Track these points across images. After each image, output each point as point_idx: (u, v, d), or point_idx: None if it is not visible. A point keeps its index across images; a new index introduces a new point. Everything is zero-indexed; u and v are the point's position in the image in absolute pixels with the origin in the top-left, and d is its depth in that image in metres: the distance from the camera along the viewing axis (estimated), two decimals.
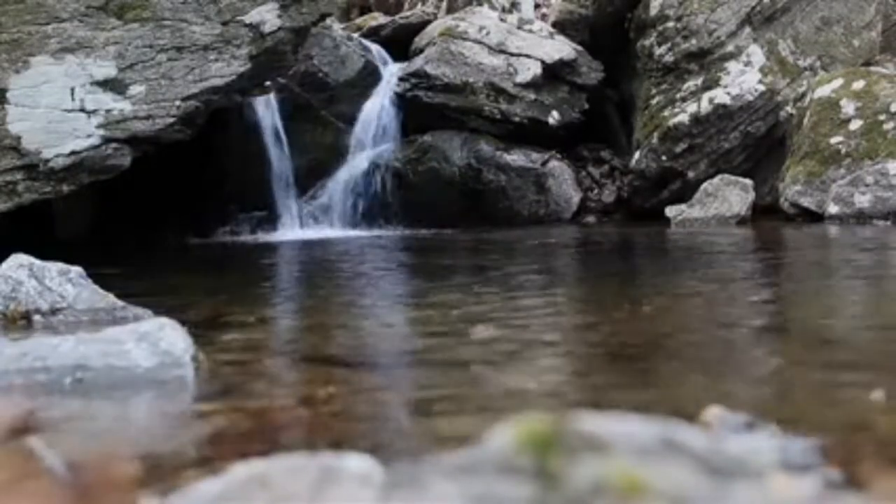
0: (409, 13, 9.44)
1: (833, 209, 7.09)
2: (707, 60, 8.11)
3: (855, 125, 7.40)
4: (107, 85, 5.85)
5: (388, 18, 9.38)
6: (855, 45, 8.39)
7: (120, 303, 3.52)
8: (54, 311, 3.41)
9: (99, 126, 5.82)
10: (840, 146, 7.38)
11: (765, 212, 7.74)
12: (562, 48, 8.62)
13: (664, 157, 8.11)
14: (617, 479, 1.01)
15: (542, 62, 8.48)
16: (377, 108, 8.39)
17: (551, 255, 6.39)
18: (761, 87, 8.00)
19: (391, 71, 8.54)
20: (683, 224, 7.58)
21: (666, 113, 8.15)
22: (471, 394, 2.44)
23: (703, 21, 8.11)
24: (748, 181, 7.75)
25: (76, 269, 3.54)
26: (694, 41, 8.11)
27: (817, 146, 7.45)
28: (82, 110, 5.81)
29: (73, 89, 5.80)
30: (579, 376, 2.71)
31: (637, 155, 8.28)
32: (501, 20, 8.89)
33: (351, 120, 8.34)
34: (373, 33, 9.03)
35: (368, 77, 8.41)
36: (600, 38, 8.72)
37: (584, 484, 1.01)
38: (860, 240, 6.23)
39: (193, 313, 3.66)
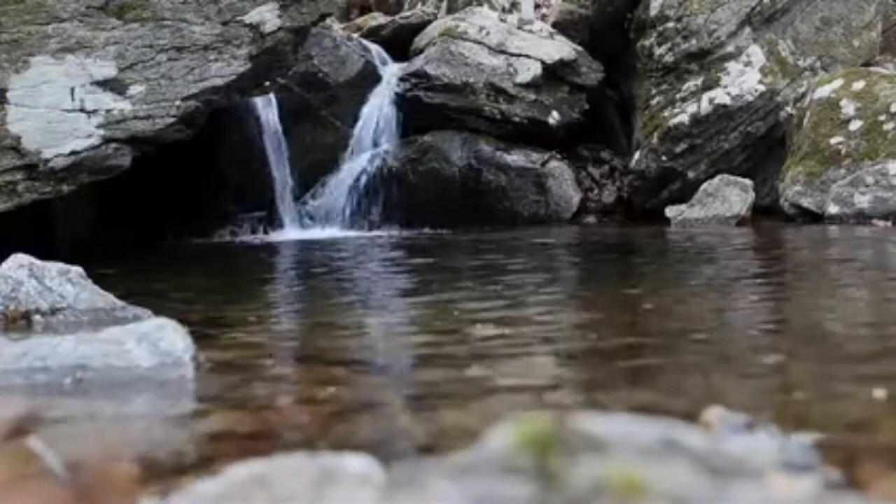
0: (409, 13, 9.44)
1: (833, 209, 7.08)
2: (707, 61, 8.11)
3: (855, 125, 7.40)
4: (107, 85, 5.85)
5: (388, 18, 9.37)
6: (855, 46, 8.38)
7: (120, 303, 3.52)
8: (54, 311, 3.41)
9: (99, 126, 5.82)
10: (840, 146, 7.38)
11: (765, 212, 7.74)
12: (562, 48, 8.62)
13: (664, 158, 8.11)
14: (617, 479, 1.01)
15: (542, 62, 8.48)
16: (377, 108, 8.39)
17: (551, 256, 6.39)
18: (761, 88, 8.00)
19: (391, 71, 8.54)
20: (683, 224, 7.58)
21: (666, 113, 8.15)
22: (471, 394, 2.44)
23: (703, 21, 8.11)
24: (748, 181, 7.75)
25: (76, 269, 3.54)
26: (694, 41, 8.11)
27: (817, 146, 7.45)
28: (82, 110, 5.80)
29: (72, 89, 5.79)
30: (579, 376, 2.70)
31: (637, 155, 8.28)
32: (501, 20, 8.89)
33: (351, 120, 8.34)
34: (373, 33, 9.03)
35: (368, 77, 8.41)
36: (600, 38, 8.72)
37: (584, 484, 1.01)
38: (860, 240, 6.23)
39: (193, 313, 3.66)
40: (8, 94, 5.71)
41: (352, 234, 7.91)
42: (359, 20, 9.68)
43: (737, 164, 8.05)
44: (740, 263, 5.54)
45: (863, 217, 6.94)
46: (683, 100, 8.11)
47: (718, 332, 3.32)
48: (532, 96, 8.43)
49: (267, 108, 8.00)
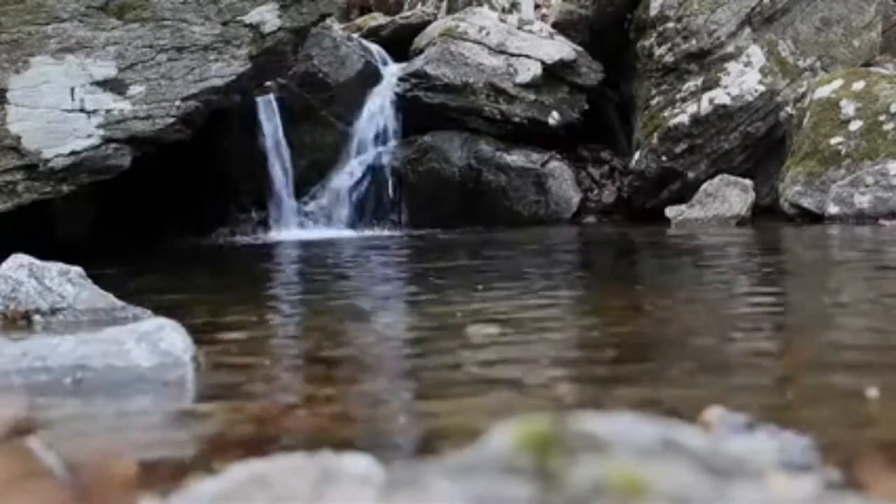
0: (409, 13, 9.44)
1: (833, 210, 7.08)
2: (707, 61, 8.11)
3: (855, 126, 7.40)
4: (107, 85, 5.85)
5: (388, 18, 9.37)
6: (855, 46, 8.38)
7: (120, 303, 3.52)
8: (54, 311, 3.41)
9: (99, 126, 5.82)
10: (840, 147, 7.38)
11: (765, 212, 7.74)
12: (562, 48, 8.61)
13: (664, 158, 8.11)
14: (617, 479, 1.01)
15: (542, 62, 8.47)
16: (377, 108, 8.39)
17: (551, 256, 6.39)
18: (761, 88, 8.00)
19: (391, 71, 8.54)
20: (683, 224, 7.58)
21: (666, 113, 8.15)
22: (471, 394, 2.44)
23: (703, 21, 8.11)
24: (748, 181, 7.74)
25: (76, 269, 3.54)
26: (694, 41, 8.11)
27: (817, 147, 7.45)
28: (82, 110, 5.80)
29: (73, 89, 5.79)
30: (580, 376, 2.70)
31: (637, 155, 8.28)
32: (501, 20, 8.89)
33: (351, 120, 8.34)
34: (373, 33, 9.03)
35: (368, 77, 8.41)
36: (600, 39, 8.72)
37: (584, 484, 1.01)
38: (859, 241, 6.23)
39: (193, 313, 3.66)
40: (8, 94, 5.71)
41: (352, 234, 7.92)
42: (359, 20, 9.68)
43: (737, 164, 8.05)
44: (741, 264, 5.54)
45: (863, 217, 6.94)
46: (683, 100, 8.11)
47: (718, 332, 3.32)
48: (532, 96, 8.43)
49: (267, 108, 8.00)
